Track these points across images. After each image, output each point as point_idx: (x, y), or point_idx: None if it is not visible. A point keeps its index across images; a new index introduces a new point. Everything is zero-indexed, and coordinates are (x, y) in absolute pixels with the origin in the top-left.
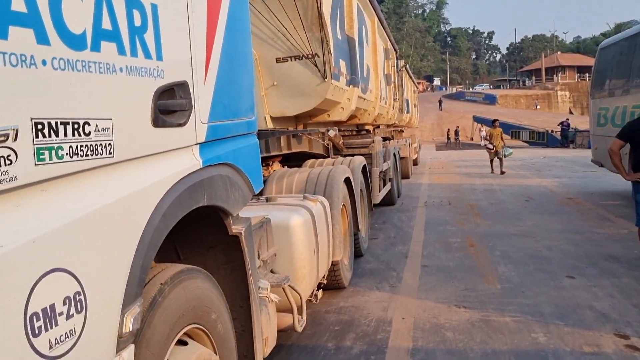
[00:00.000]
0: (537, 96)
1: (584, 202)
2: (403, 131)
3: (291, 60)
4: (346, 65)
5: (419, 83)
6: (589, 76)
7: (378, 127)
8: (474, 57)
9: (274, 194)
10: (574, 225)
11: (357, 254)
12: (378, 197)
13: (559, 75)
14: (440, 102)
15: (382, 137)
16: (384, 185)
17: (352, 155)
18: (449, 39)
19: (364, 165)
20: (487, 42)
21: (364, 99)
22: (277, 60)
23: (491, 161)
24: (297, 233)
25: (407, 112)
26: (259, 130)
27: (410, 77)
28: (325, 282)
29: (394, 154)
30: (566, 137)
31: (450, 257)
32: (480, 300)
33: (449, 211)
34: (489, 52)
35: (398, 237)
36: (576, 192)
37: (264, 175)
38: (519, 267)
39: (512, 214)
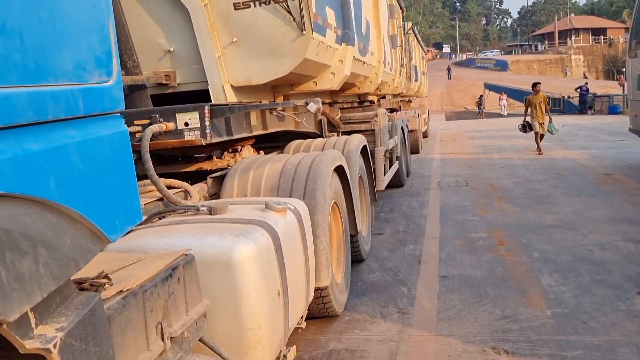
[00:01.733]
0: (564, 61)
1: (626, 180)
2: (411, 101)
3: (255, 4)
4: (335, 16)
5: (427, 51)
6: (604, 39)
7: (383, 97)
8: (484, 22)
9: (235, 195)
10: (623, 211)
11: (357, 259)
12: (383, 182)
13: (573, 38)
14: (449, 70)
15: (388, 109)
16: (390, 165)
17: (351, 132)
18: (458, 4)
19: (364, 146)
20: (497, 6)
21: (363, 63)
22: (236, 5)
23: (537, 137)
24: (245, 273)
25: (416, 80)
26: (210, 105)
27: (419, 42)
28: (307, 312)
29: (402, 128)
30: (584, 103)
31: (476, 261)
32: (527, 339)
33: (467, 194)
34: (500, 17)
35: (408, 231)
36: (612, 167)
37: (227, 165)
38: (569, 278)
39: (543, 196)
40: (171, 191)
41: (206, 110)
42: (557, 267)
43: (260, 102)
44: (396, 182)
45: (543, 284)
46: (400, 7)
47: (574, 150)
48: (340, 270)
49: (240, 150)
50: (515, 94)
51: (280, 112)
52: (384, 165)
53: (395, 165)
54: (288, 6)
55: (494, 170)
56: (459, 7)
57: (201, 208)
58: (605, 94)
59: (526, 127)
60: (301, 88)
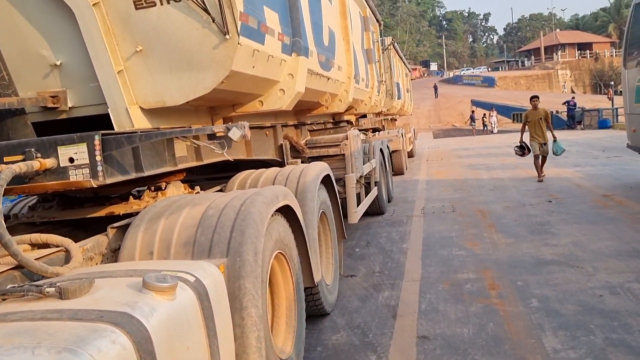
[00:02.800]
0: (550, 76)
1: (628, 202)
2: (396, 120)
3: (161, 2)
4: (280, 20)
5: (414, 69)
6: (590, 53)
7: (364, 116)
8: (470, 40)
9: (138, 254)
10: (632, 241)
11: (319, 313)
12: (356, 214)
13: (559, 53)
14: (435, 88)
15: (369, 129)
16: (367, 192)
17: (319, 158)
18: (444, 22)
19: (327, 176)
20: (483, 24)
21: (328, 79)
22: (137, 3)
23: (537, 161)
24: None
25: (399, 98)
26: (102, 135)
27: (401, 58)
28: None
29: (381, 150)
30: (573, 118)
31: (463, 313)
32: None
33: (453, 222)
34: (486, 34)
35: (385, 271)
36: (610, 187)
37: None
38: (578, 339)
39: (538, 224)
40: (44, 252)
41: (96, 142)
42: (562, 322)
43: (172, 129)
44: (376, 210)
45: (547, 348)
46: (377, 21)
47: (567, 168)
48: (290, 339)
49: (165, 188)
50: (503, 110)
51: (193, 141)
52: (358, 194)
53: (374, 192)
54: (204, 3)
55: (483, 193)
56: (446, 26)
57: (47, 289)
58: (594, 108)
59: (524, 149)
60: (245, 109)
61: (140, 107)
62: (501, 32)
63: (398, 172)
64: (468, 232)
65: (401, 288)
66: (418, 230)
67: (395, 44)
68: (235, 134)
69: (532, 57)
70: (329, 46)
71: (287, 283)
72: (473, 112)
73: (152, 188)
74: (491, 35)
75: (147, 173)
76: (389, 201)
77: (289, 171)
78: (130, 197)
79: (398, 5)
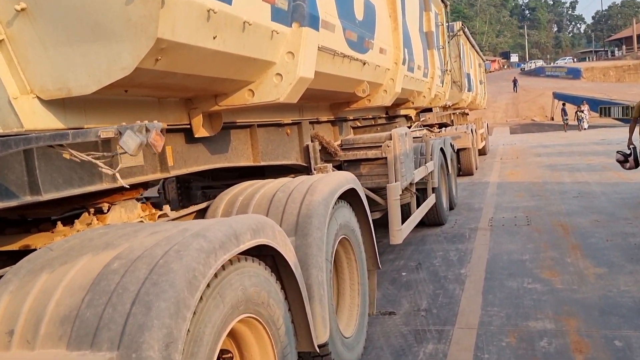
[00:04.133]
0: (628, 66)
1: None
2: (468, 114)
3: None
4: None
5: (493, 61)
6: None
7: (429, 110)
8: (555, 29)
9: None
10: None
11: None
12: (399, 234)
13: None
14: (515, 82)
15: (434, 125)
16: (420, 203)
17: (355, 161)
18: (527, 12)
19: (350, 190)
20: (569, 12)
21: (363, 63)
22: None
23: None
24: None
25: (469, 90)
26: None
27: (474, 47)
28: None
29: (442, 149)
30: None
31: None
32: None
33: (527, 239)
34: (572, 23)
35: (433, 309)
36: None
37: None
38: None
39: (639, 246)
40: None
41: None
42: None
43: (28, 135)
44: (434, 220)
45: None
46: (443, 1)
47: None
48: None
49: (107, 211)
50: (589, 103)
51: (72, 152)
52: (407, 205)
53: (430, 201)
54: None
55: (565, 201)
56: (528, 15)
57: None
58: None
59: (631, 155)
60: (230, 101)
61: (38, 97)
62: (589, 20)
63: (466, 172)
64: (545, 254)
65: (451, 339)
66: (482, 250)
67: (466, 30)
68: (128, 142)
69: (624, 47)
70: (364, 22)
71: None
72: (564, 105)
73: (92, 210)
74: (578, 24)
75: (46, 197)
76: (452, 208)
77: (294, 185)
78: (58, 223)
79: None
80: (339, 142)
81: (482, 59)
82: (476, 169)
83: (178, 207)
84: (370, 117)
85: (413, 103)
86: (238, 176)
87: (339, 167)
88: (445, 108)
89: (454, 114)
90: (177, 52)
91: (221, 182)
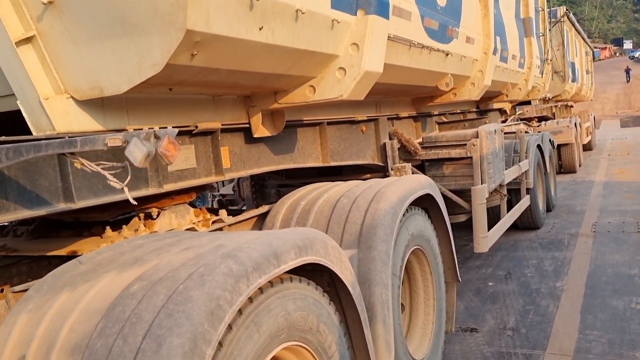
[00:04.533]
0: None
1: None
2: (572, 106)
3: None
4: None
5: (603, 48)
6: None
7: (527, 103)
8: None
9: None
10: None
11: None
12: (485, 242)
13: None
14: (627, 71)
15: (533, 118)
16: (512, 205)
17: (437, 161)
18: None
19: (426, 196)
20: None
21: (445, 54)
22: None
23: None
24: None
25: (573, 80)
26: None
27: (579, 33)
28: None
29: (539, 146)
30: None
31: None
32: None
33: (637, 249)
34: None
35: (522, 329)
36: None
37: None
38: None
39: None
40: None
41: None
42: None
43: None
44: (528, 223)
45: None
46: None
47: None
48: None
49: (157, 217)
50: None
51: (82, 161)
52: (497, 208)
53: (523, 203)
54: None
55: None
56: None
57: None
58: None
59: None
60: (290, 99)
61: (73, 97)
62: None
63: (568, 170)
64: None
65: None
66: (582, 260)
67: (571, 16)
68: (134, 153)
69: None
70: (447, 7)
71: None
72: None
73: (142, 215)
74: None
75: (80, 204)
76: (549, 210)
77: (361, 190)
78: (107, 228)
79: None
80: (420, 140)
81: (590, 47)
82: (580, 166)
83: (252, 206)
84: (459, 111)
85: (507, 96)
86: (316, 174)
87: (420, 167)
88: (545, 100)
89: (555, 106)
90: (216, 45)
91: (298, 181)
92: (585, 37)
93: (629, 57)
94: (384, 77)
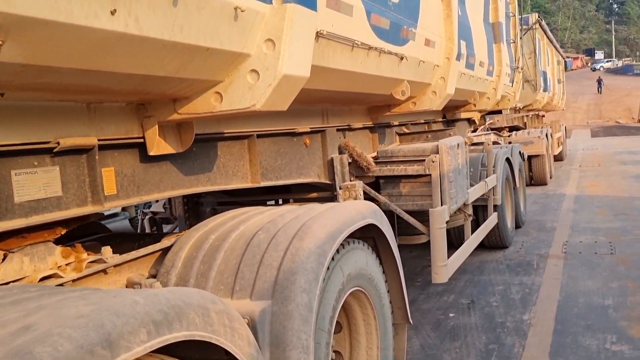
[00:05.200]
0: None
1: None
2: (543, 116)
3: None
4: None
5: (575, 58)
6: None
7: (498, 112)
8: None
9: None
10: None
11: None
12: (444, 271)
13: None
14: (599, 82)
15: (503, 128)
16: (478, 224)
17: (392, 178)
18: (615, 5)
19: (368, 226)
20: None
21: (400, 58)
22: None
23: None
24: None
25: (545, 90)
26: None
27: (551, 42)
28: None
29: (507, 159)
30: None
31: None
32: None
33: (610, 274)
34: None
35: None
36: None
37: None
38: None
39: None
40: None
41: None
42: None
43: None
44: (495, 242)
45: None
46: None
47: None
48: None
49: (3, 260)
50: None
51: None
52: (465, 229)
53: (491, 221)
54: None
55: None
56: (617, 9)
57: None
58: None
59: None
60: (192, 108)
61: None
62: None
63: (539, 182)
64: (635, 299)
65: None
66: (552, 287)
67: (543, 23)
68: None
69: None
70: (401, 4)
71: None
72: None
73: None
74: None
75: None
76: (519, 227)
77: (284, 222)
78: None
79: None
80: (374, 154)
81: (562, 56)
82: (550, 178)
83: (185, 227)
84: (422, 121)
85: (475, 105)
86: (260, 190)
87: (375, 185)
88: (516, 110)
89: (527, 116)
90: (35, 33)
91: (239, 198)
92: (558, 46)
93: (591, 69)
94: (320, 82)
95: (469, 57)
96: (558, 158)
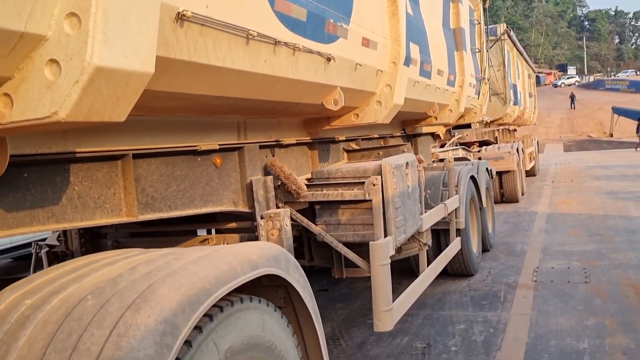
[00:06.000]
0: None
1: None
2: (515, 130)
3: None
4: None
5: (549, 73)
6: None
7: (468, 126)
8: (617, 41)
9: None
10: None
11: None
12: (388, 317)
13: None
14: (572, 98)
15: (473, 143)
16: (441, 250)
17: (328, 204)
18: (586, 23)
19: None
20: (633, 23)
21: (326, 58)
22: None
23: None
24: None
25: (516, 103)
26: None
27: (521, 54)
28: None
29: (472, 177)
30: None
31: None
32: None
33: (585, 308)
34: (636, 34)
35: None
36: None
37: None
38: None
39: None
40: None
41: None
42: None
43: None
44: (459, 269)
45: None
46: None
47: None
48: None
49: None
50: None
51: None
52: (420, 260)
53: (453, 247)
54: None
55: (635, 247)
56: (588, 26)
57: None
58: None
59: None
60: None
61: None
62: None
63: (510, 199)
64: (614, 341)
65: None
66: (520, 326)
67: (512, 34)
68: None
69: None
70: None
71: None
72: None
73: None
74: None
75: None
76: (487, 250)
77: (128, 281)
78: None
79: (533, 6)
80: (308, 176)
81: (532, 69)
82: (522, 194)
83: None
84: (377, 136)
85: (437, 118)
86: (184, 219)
87: (310, 212)
88: (487, 124)
89: (498, 130)
90: None
91: (160, 228)
92: (528, 58)
93: (553, 85)
94: (202, 85)
95: (424, 63)
96: (530, 173)
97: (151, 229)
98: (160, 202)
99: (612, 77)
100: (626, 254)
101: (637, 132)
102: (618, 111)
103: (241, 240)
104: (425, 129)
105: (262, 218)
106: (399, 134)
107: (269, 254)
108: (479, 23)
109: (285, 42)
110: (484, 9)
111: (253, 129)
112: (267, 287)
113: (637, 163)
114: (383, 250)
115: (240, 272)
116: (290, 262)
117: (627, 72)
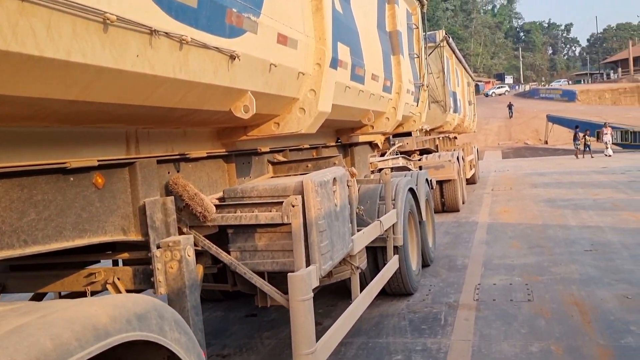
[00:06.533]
0: (624, 89)
1: None
2: (456, 138)
3: None
4: None
5: (487, 82)
6: None
7: (408, 134)
8: (550, 52)
9: None
10: None
11: None
12: (311, 358)
13: None
14: (510, 107)
15: (414, 151)
16: (372, 274)
17: (242, 228)
18: (522, 34)
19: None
20: (564, 35)
21: (230, 57)
22: None
23: None
24: None
25: (455, 111)
26: None
27: (461, 62)
28: None
29: (411, 189)
30: None
31: None
32: None
33: (529, 331)
34: (568, 45)
35: None
36: None
37: None
38: None
39: None
40: None
41: None
42: None
43: None
44: (398, 289)
45: None
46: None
47: None
48: None
49: None
50: (585, 126)
51: None
52: (352, 286)
53: (390, 266)
54: None
55: (576, 258)
56: (523, 37)
57: None
58: None
59: None
60: None
61: None
62: (584, 43)
63: (451, 208)
64: None
65: None
66: (462, 355)
67: (451, 41)
68: None
69: (619, 69)
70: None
71: None
72: (577, 128)
73: None
74: (573, 47)
75: None
76: (427, 265)
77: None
78: None
79: (472, 17)
80: (219, 194)
81: (472, 77)
82: (463, 203)
83: None
84: (308, 146)
85: (373, 127)
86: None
87: (221, 238)
88: (427, 132)
89: (438, 138)
90: None
91: (52, 260)
92: (467, 66)
93: (485, 94)
94: (29, 88)
95: (356, 67)
96: (471, 181)
97: (38, 261)
98: (11, 236)
99: (547, 87)
100: (567, 267)
101: (574, 140)
102: (553, 119)
103: (134, 274)
104: (362, 138)
105: (158, 248)
106: (334, 144)
107: (130, 313)
108: (417, 27)
109: (166, 33)
110: (422, 14)
111: (148, 140)
112: (147, 346)
113: (571, 170)
114: (304, 283)
115: (77, 347)
116: (165, 318)
117: (560, 81)
